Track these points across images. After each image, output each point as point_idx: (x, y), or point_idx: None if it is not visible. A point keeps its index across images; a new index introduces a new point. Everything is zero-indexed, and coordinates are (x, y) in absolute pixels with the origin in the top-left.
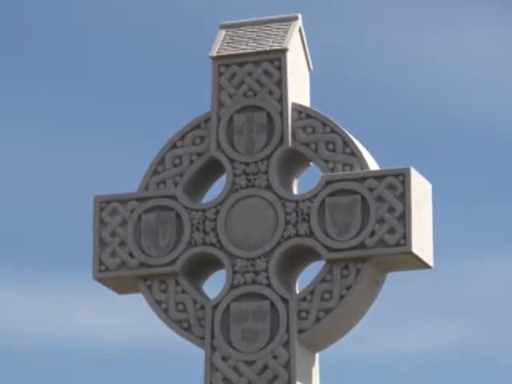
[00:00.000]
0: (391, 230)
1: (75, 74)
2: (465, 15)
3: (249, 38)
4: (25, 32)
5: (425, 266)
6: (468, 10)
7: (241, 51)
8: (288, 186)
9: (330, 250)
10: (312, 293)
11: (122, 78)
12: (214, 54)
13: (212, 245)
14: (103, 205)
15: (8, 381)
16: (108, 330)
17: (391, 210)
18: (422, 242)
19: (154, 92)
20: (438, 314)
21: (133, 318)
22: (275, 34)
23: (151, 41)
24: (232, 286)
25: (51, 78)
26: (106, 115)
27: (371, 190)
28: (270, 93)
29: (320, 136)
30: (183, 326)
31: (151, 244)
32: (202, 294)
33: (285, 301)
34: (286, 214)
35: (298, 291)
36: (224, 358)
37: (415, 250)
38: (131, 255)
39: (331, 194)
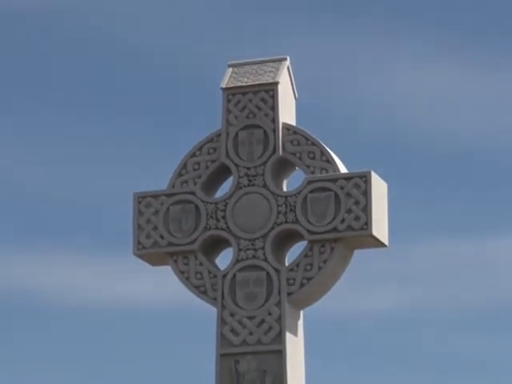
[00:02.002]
0: (357, 218)
1: (124, 93)
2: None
3: (250, 73)
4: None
5: (382, 245)
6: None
7: (244, 84)
8: (279, 185)
9: (311, 233)
10: (298, 265)
11: (160, 104)
12: (224, 86)
13: (222, 229)
14: (140, 199)
15: (64, 335)
16: (144, 294)
17: (357, 203)
18: (380, 227)
19: (180, 114)
20: (395, 282)
21: (163, 285)
22: (269, 71)
23: (178, 76)
24: (237, 260)
25: (103, 91)
26: (145, 131)
27: (342, 188)
28: (266, 115)
29: (303, 148)
30: (200, 290)
31: (176, 228)
32: (215, 266)
33: (277, 271)
34: (278, 205)
35: (287, 264)
36: (231, 314)
37: (375, 233)
38: (161, 237)
39: (312, 191)
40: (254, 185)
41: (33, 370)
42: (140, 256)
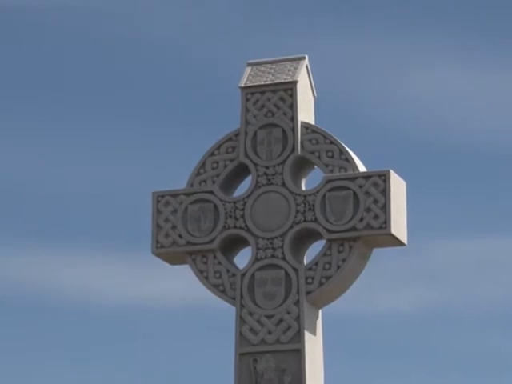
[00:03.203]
0: (375, 217)
1: (144, 94)
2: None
3: (268, 73)
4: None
5: (401, 243)
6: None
7: (262, 83)
8: (298, 184)
9: (330, 231)
10: (316, 264)
11: (179, 104)
12: (243, 85)
13: (241, 228)
14: (159, 198)
15: (83, 334)
16: (163, 294)
17: (375, 201)
18: (399, 226)
19: (199, 114)
20: (414, 281)
21: (181, 284)
22: (288, 70)
23: (197, 75)
24: (256, 259)
25: (120, 90)
26: (165, 131)
27: (360, 186)
28: (285, 114)
29: (322, 146)
30: (219, 289)
31: (195, 227)
32: (234, 265)
33: (295, 270)
34: (297, 204)
35: (305, 263)
36: (250, 313)
37: (394, 231)
38: (180, 236)
39: (330, 190)
40: (272, 184)
41: (51, 367)
42: (158, 255)
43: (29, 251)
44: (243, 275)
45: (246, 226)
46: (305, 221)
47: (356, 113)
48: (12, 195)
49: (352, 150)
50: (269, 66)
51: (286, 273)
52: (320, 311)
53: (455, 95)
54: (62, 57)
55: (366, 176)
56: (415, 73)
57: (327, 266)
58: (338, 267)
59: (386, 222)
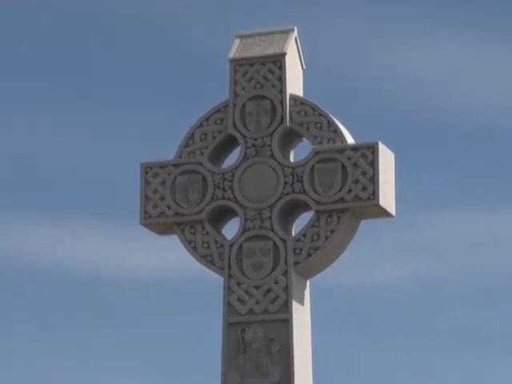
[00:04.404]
0: (364, 189)
1: (133, 64)
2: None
3: (257, 44)
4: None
5: (389, 215)
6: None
7: (251, 55)
8: (286, 156)
9: (318, 203)
10: (304, 235)
11: (168, 75)
12: (231, 57)
13: (229, 199)
14: (147, 169)
15: (72, 304)
16: (151, 264)
17: (364, 173)
18: (387, 198)
19: (187, 85)
20: (402, 253)
21: (170, 255)
22: (277, 42)
23: (186, 47)
24: (244, 230)
25: (110, 63)
26: (153, 102)
27: (349, 158)
28: (273, 86)
29: (310, 118)
30: (207, 260)
31: (183, 198)
32: (222, 236)
33: (284, 241)
34: (285, 176)
35: (293, 234)
36: (238, 283)
37: (382, 203)
38: (168, 207)
39: (319, 162)
40: (261, 155)
41: (44, 336)
42: (147, 226)
43: (16, 223)
44: (231, 246)
45: (235, 197)
46: (293, 192)
47: (344, 85)
48: (1, 168)
49: (340, 121)
50: (258, 38)
51: (274, 243)
52: (308, 282)
53: (444, 68)
54: (55, 31)
55: (355, 148)
56: (405, 46)
57: (315, 237)
58: (326, 238)
59: (375, 194)
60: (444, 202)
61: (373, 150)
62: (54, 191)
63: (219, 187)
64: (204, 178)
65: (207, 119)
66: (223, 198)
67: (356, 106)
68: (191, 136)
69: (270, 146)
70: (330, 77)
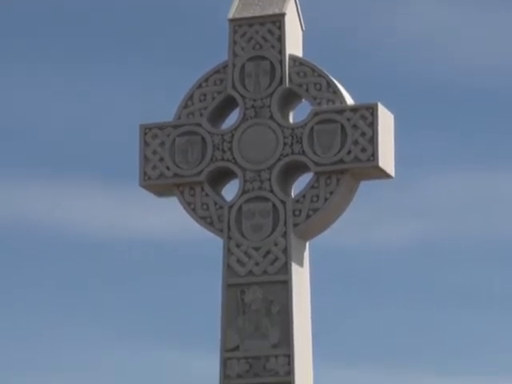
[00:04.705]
0: (363, 150)
1: (129, 21)
2: None
3: (256, 5)
4: None
5: (388, 176)
6: None
7: (250, 15)
8: (286, 117)
9: (317, 164)
10: (304, 196)
11: (167, 36)
12: (231, 17)
13: (228, 160)
14: (146, 130)
15: (71, 266)
16: (150, 225)
17: (363, 134)
18: (386, 159)
19: (186, 46)
20: (401, 214)
21: (169, 216)
22: (276, 2)
23: (185, 7)
24: (243, 192)
25: (105, 20)
26: (152, 63)
27: (348, 119)
28: (273, 46)
29: (310, 79)
30: (207, 221)
31: (183, 160)
32: (221, 198)
33: (283, 202)
34: (284, 137)
35: (293, 195)
36: (237, 245)
37: (381, 164)
38: (168, 168)
39: (318, 123)
40: (260, 116)
41: (45, 298)
42: (146, 187)
43: (17, 184)
44: (231, 207)
45: (234, 158)
46: (292, 153)
47: (344, 46)
48: (1, 130)
49: (340, 82)
50: None
51: (274, 205)
52: (307, 243)
53: (444, 30)
54: None
55: (354, 109)
56: (405, 7)
57: (315, 199)
58: (326, 200)
59: (374, 155)
60: (443, 163)
61: (372, 111)
62: (52, 153)
63: (218, 148)
64: (203, 140)
65: (206, 80)
66: (222, 159)
67: (355, 67)
68: (190, 97)
69: (270, 107)
70: (329, 38)
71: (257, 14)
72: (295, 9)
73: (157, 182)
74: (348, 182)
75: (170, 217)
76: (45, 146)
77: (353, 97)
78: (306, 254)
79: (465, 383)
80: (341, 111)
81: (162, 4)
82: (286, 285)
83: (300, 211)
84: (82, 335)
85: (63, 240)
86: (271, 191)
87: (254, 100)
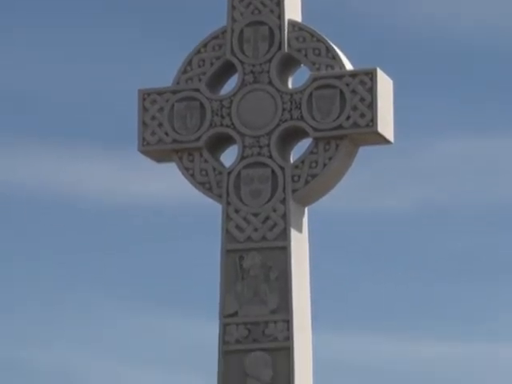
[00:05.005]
0: (362, 115)
1: None
2: None
3: None
4: None
5: (387, 142)
6: None
7: None
8: (284, 82)
9: (316, 130)
10: (303, 162)
11: (169, 2)
12: None
13: (227, 126)
14: (145, 96)
15: (69, 231)
16: (149, 191)
17: (362, 100)
18: (386, 124)
19: (185, 11)
20: (400, 180)
21: (168, 182)
22: None
23: None
24: (242, 157)
25: None
26: (151, 28)
27: (347, 85)
28: (271, 11)
29: (309, 44)
30: (206, 187)
31: (181, 125)
32: (220, 163)
33: (282, 168)
34: (283, 103)
35: (292, 161)
36: (236, 211)
37: (380, 130)
38: (166, 134)
39: (317, 88)
40: (259, 82)
41: (41, 265)
42: (145, 153)
43: (17, 149)
44: (229, 173)
45: (233, 124)
46: (291, 119)
47: (343, 11)
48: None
49: (339, 48)
50: None
51: (273, 171)
52: (306, 209)
53: None
54: None
55: (353, 74)
56: None
57: (313, 165)
58: (325, 165)
59: (373, 120)
60: (443, 128)
61: (371, 76)
62: (51, 119)
63: (217, 114)
64: (202, 105)
65: (205, 45)
66: (221, 125)
67: (354, 33)
68: (189, 62)
69: (268, 72)
70: (328, 3)
71: None
72: None
73: (155, 148)
74: (347, 148)
75: (169, 183)
76: (44, 112)
77: (352, 62)
78: (305, 219)
79: (465, 349)
80: (340, 76)
81: None
82: (284, 251)
83: (299, 177)
84: (81, 301)
85: (62, 206)
86: (270, 157)
87: (253, 65)
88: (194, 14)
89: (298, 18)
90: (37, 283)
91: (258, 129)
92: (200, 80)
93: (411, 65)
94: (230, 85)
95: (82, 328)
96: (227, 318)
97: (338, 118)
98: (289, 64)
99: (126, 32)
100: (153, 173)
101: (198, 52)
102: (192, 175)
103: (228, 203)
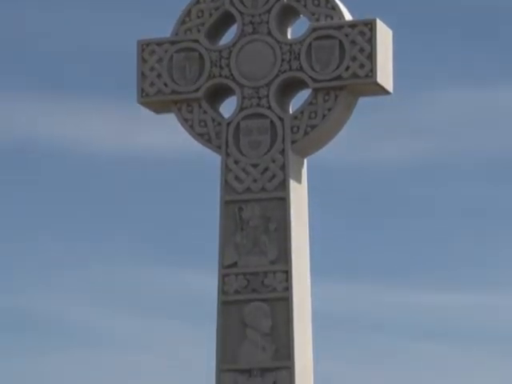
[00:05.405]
0: (361, 66)
1: None
2: None
3: None
4: None
5: (386, 92)
6: None
7: None
8: (284, 33)
9: (315, 80)
10: (302, 113)
11: None
12: None
13: (226, 77)
14: (144, 47)
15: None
16: (149, 143)
17: (361, 50)
18: (385, 75)
19: None
20: (402, 131)
21: (167, 134)
22: None
23: None
24: (241, 108)
25: None
26: None
27: (346, 35)
28: None
29: None
30: (205, 138)
31: (180, 76)
32: (219, 115)
33: (281, 119)
34: (282, 53)
35: (291, 112)
36: (235, 162)
37: (379, 80)
38: (165, 85)
39: (316, 39)
40: (258, 32)
41: (46, 213)
42: (144, 104)
43: (17, 104)
44: (229, 124)
45: (232, 74)
46: (290, 70)
47: None
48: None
49: None
50: None
51: (272, 122)
52: (305, 160)
53: None
54: None
55: (352, 25)
56: None
57: (313, 115)
58: (324, 116)
59: (372, 71)
60: (443, 80)
61: (371, 26)
62: (50, 70)
63: (216, 65)
64: (201, 56)
65: None
66: (220, 75)
67: None
68: (188, 13)
69: (268, 23)
70: None
71: None
72: None
73: (154, 99)
74: (346, 99)
75: (168, 134)
76: (41, 63)
77: (351, 13)
78: (304, 170)
79: (465, 299)
80: (339, 27)
81: None
82: (283, 202)
83: (298, 128)
84: (81, 252)
85: (63, 158)
86: (269, 108)
87: (252, 16)
88: None
89: None
90: (35, 236)
91: (257, 79)
92: (199, 31)
93: (411, 16)
94: (229, 36)
95: (80, 277)
96: (226, 269)
97: (337, 68)
98: (288, 14)
99: None
100: (152, 124)
101: (197, 2)
102: (191, 126)
103: (227, 154)
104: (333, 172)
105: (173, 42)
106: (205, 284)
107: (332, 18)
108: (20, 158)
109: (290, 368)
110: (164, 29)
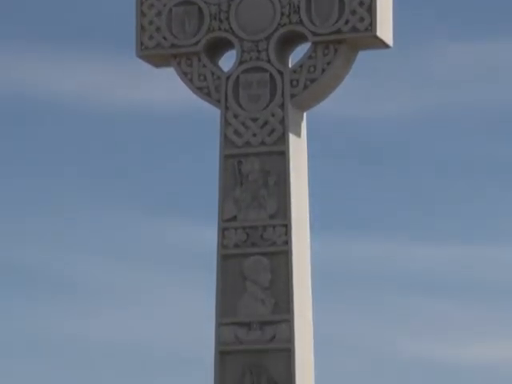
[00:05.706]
0: (361, 19)
1: None
2: None
3: None
4: None
5: (386, 46)
6: None
7: None
8: None
9: (315, 34)
10: (301, 67)
11: None
12: None
13: (226, 30)
14: (143, 0)
15: (73, 136)
16: (149, 96)
17: (361, 4)
18: (385, 28)
19: None
20: (402, 84)
21: (167, 88)
22: None
23: None
24: (241, 62)
25: None
26: None
27: None
28: None
29: None
30: (204, 92)
31: (180, 30)
32: (219, 68)
33: (280, 73)
34: (282, 7)
35: (290, 66)
36: (235, 116)
37: (379, 33)
38: (164, 38)
39: None
40: None
41: (49, 169)
42: (143, 57)
43: (15, 56)
44: (228, 78)
45: (231, 28)
46: (290, 23)
47: None
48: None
49: None
50: None
51: (271, 75)
52: (304, 114)
53: None
54: None
55: None
56: None
57: (312, 69)
58: (323, 70)
59: (372, 24)
60: (443, 33)
61: None
62: (50, 25)
63: (215, 18)
64: (200, 10)
65: None
66: (219, 29)
67: None
68: None
69: None
70: None
71: None
72: None
73: (153, 52)
74: (346, 52)
75: (168, 88)
76: (43, 17)
77: None
78: (304, 124)
79: (464, 250)
80: None
81: None
82: (283, 156)
83: (297, 81)
84: (86, 208)
85: (63, 111)
86: (268, 61)
87: None
88: None
89: None
90: (38, 191)
91: (256, 33)
92: None
93: None
94: None
95: (87, 230)
96: (226, 223)
97: (336, 22)
98: None
99: None
100: (151, 78)
101: None
102: (190, 80)
103: (226, 108)
104: (332, 126)
105: None
106: (205, 238)
107: None
108: (23, 112)
109: (289, 321)
110: None
